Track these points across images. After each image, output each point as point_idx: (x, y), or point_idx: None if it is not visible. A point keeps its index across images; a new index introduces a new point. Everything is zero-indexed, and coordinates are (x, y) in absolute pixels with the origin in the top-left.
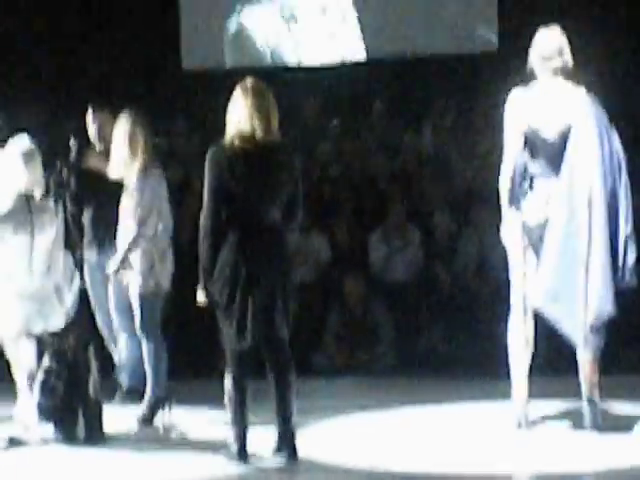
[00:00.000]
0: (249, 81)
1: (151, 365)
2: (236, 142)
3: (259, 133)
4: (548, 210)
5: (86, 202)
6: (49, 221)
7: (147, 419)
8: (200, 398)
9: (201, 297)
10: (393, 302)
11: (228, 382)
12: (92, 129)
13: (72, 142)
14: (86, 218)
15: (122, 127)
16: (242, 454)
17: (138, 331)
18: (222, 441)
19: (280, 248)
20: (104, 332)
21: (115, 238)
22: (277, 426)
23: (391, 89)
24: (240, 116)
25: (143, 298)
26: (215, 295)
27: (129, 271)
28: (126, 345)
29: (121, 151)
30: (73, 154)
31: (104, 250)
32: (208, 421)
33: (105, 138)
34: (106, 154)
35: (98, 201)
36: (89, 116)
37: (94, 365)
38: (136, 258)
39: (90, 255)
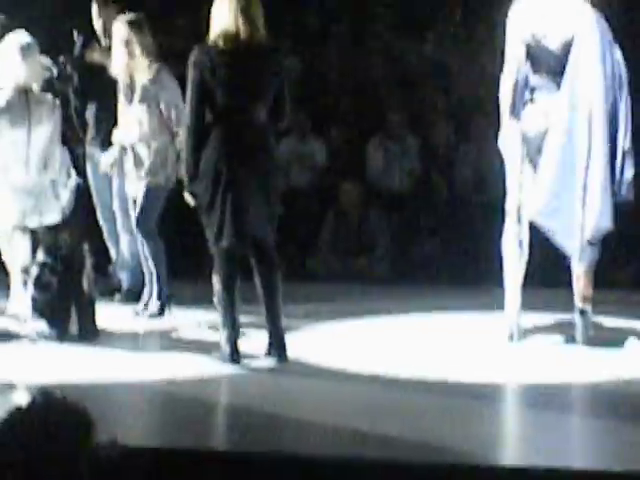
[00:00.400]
0: None
1: (155, 263)
2: (220, 42)
3: (244, 34)
4: (548, 122)
5: (90, 97)
6: (47, 115)
7: (157, 317)
8: (195, 299)
9: (188, 197)
10: (390, 210)
11: (216, 283)
12: (98, 24)
13: (76, 36)
14: (90, 113)
15: (118, 33)
16: (233, 355)
17: (137, 229)
18: (215, 342)
19: (264, 148)
20: (104, 229)
21: None
22: (267, 328)
23: None
24: (225, 17)
25: (151, 193)
26: (198, 195)
27: (139, 167)
28: (128, 245)
29: (121, 57)
30: (77, 48)
31: (107, 146)
32: (203, 322)
33: (110, 34)
34: (111, 49)
35: (102, 96)
36: (94, 11)
37: (89, 262)
38: (148, 153)
39: (93, 151)
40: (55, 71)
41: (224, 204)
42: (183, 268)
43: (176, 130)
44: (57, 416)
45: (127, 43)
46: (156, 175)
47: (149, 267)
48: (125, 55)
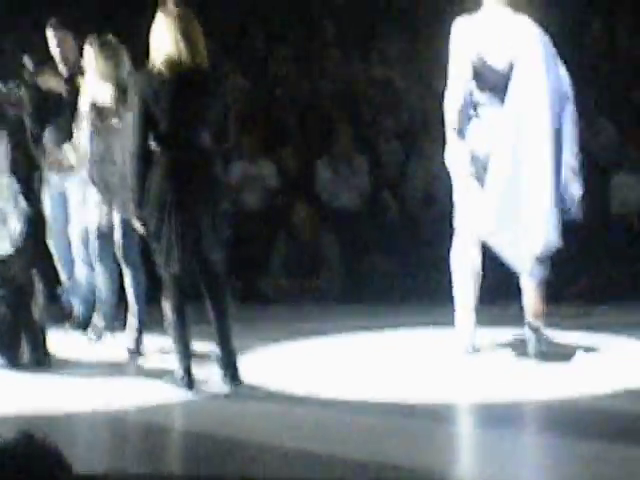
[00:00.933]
0: (172, 5)
1: (137, 294)
2: (162, 68)
3: (185, 59)
4: (493, 139)
5: (46, 121)
6: None
7: (136, 349)
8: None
9: (136, 224)
10: (341, 229)
11: (167, 309)
12: (53, 48)
13: (27, 61)
14: (47, 138)
15: (87, 57)
16: (186, 380)
17: (122, 259)
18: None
19: (210, 172)
20: (56, 254)
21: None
22: (218, 352)
23: (341, 13)
24: (165, 41)
25: (125, 222)
26: (146, 221)
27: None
28: (85, 275)
29: (94, 81)
30: (28, 73)
31: (64, 171)
32: (155, 348)
33: (67, 57)
34: (67, 73)
35: (59, 120)
36: (49, 35)
37: (38, 289)
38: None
39: (50, 176)
40: (6, 96)
41: (171, 230)
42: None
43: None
44: (37, 458)
45: (92, 66)
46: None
47: (129, 299)
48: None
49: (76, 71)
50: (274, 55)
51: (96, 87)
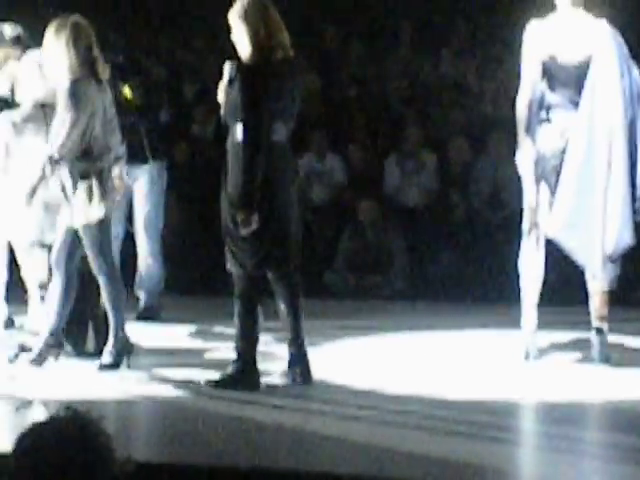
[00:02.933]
0: None
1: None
2: (264, 57)
3: (284, 48)
4: (564, 141)
5: None
6: None
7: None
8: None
9: (249, 219)
10: (407, 226)
11: (237, 305)
12: None
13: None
14: None
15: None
16: (249, 378)
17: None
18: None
19: (292, 166)
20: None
21: None
22: (289, 348)
23: (413, 13)
24: (260, 31)
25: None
26: (229, 217)
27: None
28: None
29: None
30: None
31: None
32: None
33: None
34: None
35: None
36: None
37: None
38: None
39: None
40: None
41: (267, 229)
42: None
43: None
44: (78, 431)
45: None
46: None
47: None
48: None
49: None
50: (346, 53)
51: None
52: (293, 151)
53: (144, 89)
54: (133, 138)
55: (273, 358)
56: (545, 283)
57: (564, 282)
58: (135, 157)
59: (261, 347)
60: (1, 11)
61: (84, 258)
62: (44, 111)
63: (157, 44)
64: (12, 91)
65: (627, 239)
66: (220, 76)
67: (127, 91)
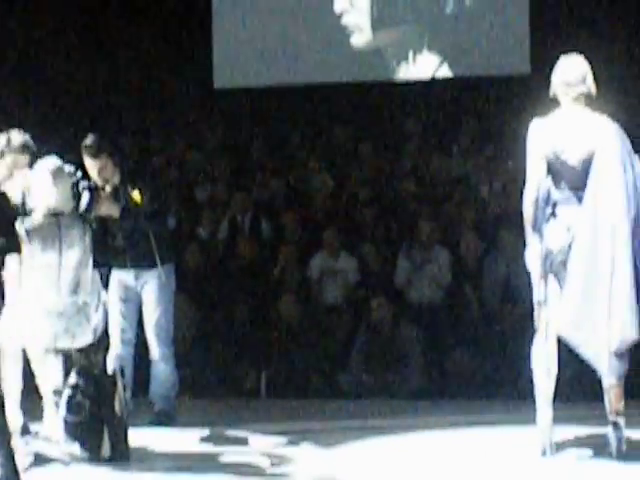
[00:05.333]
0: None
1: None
2: None
3: None
4: (570, 236)
5: None
6: (78, 238)
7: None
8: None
9: None
10: (421, 323)
11: None
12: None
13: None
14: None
15: None
16: None
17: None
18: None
19: None
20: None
21: None
22: None
23: (423, 109)
24: None
25: None
26: None
27: None
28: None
29: None
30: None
31: None
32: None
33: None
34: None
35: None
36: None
37: (120, 382)
38: None
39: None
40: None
41: None
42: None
43: None
44: None
45: None
46: None
47: None
48: None
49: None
50: (357, 153)
51: None
52: (307, 251)
53: (154, 194)
54: (142, 243)
55: (288, 460)
56: (560, 378)
57: (580, 377)
58: (144, 262)
59: (274, 449)
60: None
61: (99, 361)
62: (57, 219)
63: (168, 146)
64: (23, 199)
65: (632, 335)
66: (233, 181)
67: (137, 196)
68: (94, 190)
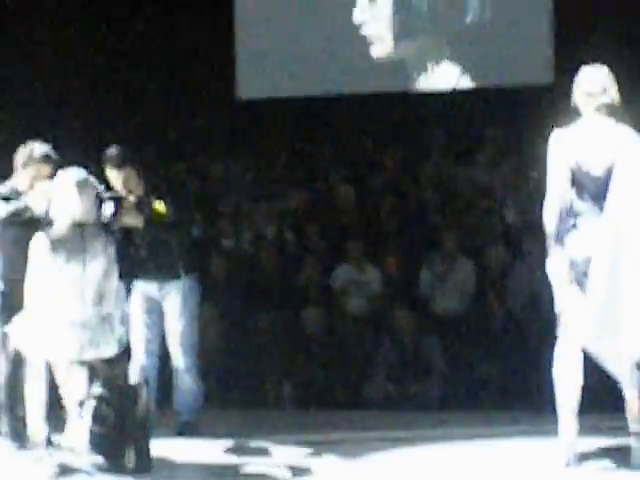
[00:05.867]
0: None
1: None
2: None
3: None
4: (593, 247)
5: None
6: (102, 249)
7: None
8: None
9: None
10: (445, 334)
11: None
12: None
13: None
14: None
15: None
16: None
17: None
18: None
19: None
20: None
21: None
22: None
23: (445, 120)
24: None
25: None
26: None
27: None
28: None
29: None
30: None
31: None
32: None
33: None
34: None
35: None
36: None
37: (145, 393)
38: None
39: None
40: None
41: None
42: None
43: None
44: None
45: None
46: None
47: None
48: None
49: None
50: (380, 163)
51: None
52: (330, 262)
53: (178, 205)
54: (165, 253)
55: (311, 472)
56: (585, 389)
57: (604, 387)
58: (167, 273)
59: (297, 460)
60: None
61: (122, 372)
62: (81, 230)
63: (192, 156)
64: (47, 210)
65: None
66: (257, 192)
67: (160, 207)
68: (118, 201)
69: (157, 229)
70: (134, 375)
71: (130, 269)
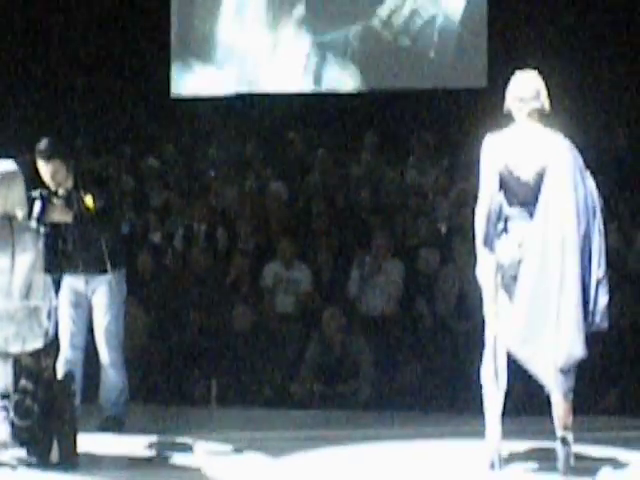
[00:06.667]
0: None
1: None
2: None
3: None
4: (521, 251)
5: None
6: (31, 242)
7: None
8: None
9: None
10: (373, 335)
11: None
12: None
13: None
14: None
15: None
16: None
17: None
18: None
19: None
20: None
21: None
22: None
23: (378, 122)
24: None
25: None
26: None
27: None
28: (112, 374)
29: None
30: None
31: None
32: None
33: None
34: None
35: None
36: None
37: (70, 387)
38: None
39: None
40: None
41: None
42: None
43: None
44: None
45: None
46: None
47: None
48: None
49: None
50: (312, 162)
51: None
52: (261, 260)
53: (106, 200)
54: (93, 248)
55: (234, 469)
56: (510, 393)
57: (530, 391)
58: (95, 267)
59: (221, 457)
60: None
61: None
62: (10, 224)
63: (123, 152)
64: None
65: (579, 352)
66: (187, 188)
67: (89, 201)
68: (46, 198)
69: (85, 223)
70: (60, 369)
71: (58, 263)
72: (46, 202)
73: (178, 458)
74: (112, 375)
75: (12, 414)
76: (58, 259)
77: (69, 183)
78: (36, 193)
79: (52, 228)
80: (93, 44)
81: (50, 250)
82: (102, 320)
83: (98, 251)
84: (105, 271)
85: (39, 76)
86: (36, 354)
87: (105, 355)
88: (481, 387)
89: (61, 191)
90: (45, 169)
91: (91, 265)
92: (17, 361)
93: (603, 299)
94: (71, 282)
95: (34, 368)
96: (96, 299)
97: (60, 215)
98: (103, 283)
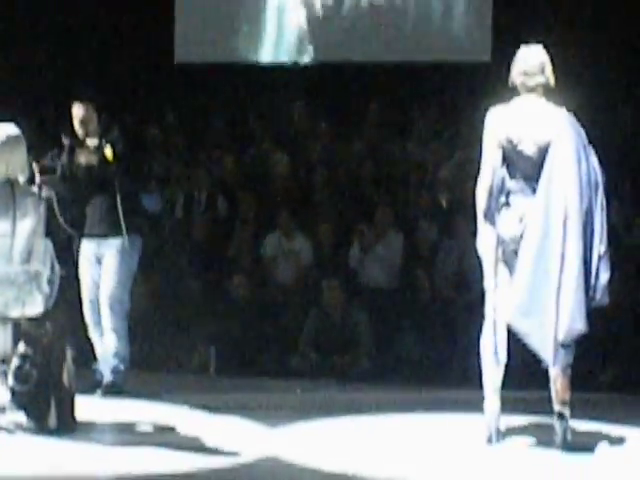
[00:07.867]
0: None
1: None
2: None
3: None
4: (523, 226)
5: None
6: (32, 207)
7: None
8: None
9: None
10: (372, 307)
11: None
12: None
13: (64, 139)
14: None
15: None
16: None
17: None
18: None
19: None
20: (90, 324)
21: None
22: None
23: (381, 94)
24: None
25: None
26: None
27: None
28: (114, 341)
29: None
30: (66, 151)
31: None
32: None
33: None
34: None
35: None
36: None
37: (69, 354)
38: None
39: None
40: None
41: None
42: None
43: None
44: None
45: None
46: None
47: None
48: None
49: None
50: (315, 132)
51: None
52: (261, 230)
53: (124, 152)
54: (108, 212)
55: (232, 436)
56: (509, 366)
57: (528, 366)
58: (108, 230)
59: (219, 424)
60: None
61: (50, 332)
62: (12, 188)
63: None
64: None
65: (580, 326)
66: (187, 153)
67: (109, 152)
68: (75, 143)
69: (104, 173)
70: (59, 334)
71: (77, 226)
72: (75, 146)
73: (175, 425)
74: (112, 341)
75: (11, 379)
76: (77, 221)
77: (96, 134)
78: (66, 140)
79: (72, 189)
80: (94, 11)
81: (66, 212)
82: (108, 285)
83: (112, 214)
84: (117, 235)
85: (41, 42)
86: (36, 319)
87: (107, 320)
88: (480, 360)
89: (88, 140)
90: (78, 113)
91: (104, 227)
92: (17, 326)
93: (604, 275)
94: (86, 244)
95: (34, 333)
96: (105, 262)
97: (88, 159)
98: (113, 247)
